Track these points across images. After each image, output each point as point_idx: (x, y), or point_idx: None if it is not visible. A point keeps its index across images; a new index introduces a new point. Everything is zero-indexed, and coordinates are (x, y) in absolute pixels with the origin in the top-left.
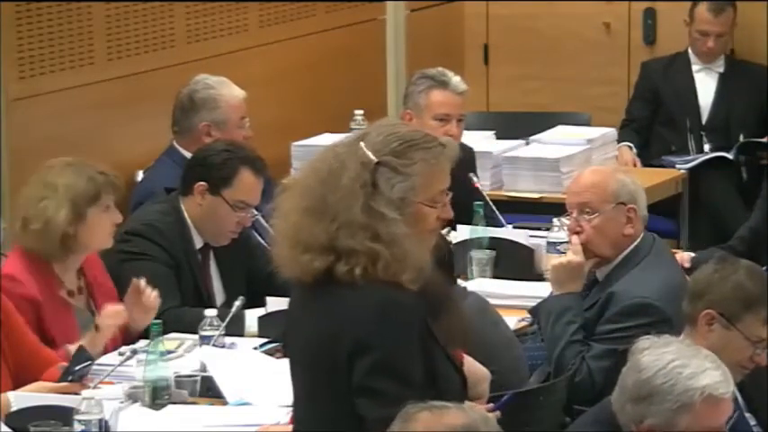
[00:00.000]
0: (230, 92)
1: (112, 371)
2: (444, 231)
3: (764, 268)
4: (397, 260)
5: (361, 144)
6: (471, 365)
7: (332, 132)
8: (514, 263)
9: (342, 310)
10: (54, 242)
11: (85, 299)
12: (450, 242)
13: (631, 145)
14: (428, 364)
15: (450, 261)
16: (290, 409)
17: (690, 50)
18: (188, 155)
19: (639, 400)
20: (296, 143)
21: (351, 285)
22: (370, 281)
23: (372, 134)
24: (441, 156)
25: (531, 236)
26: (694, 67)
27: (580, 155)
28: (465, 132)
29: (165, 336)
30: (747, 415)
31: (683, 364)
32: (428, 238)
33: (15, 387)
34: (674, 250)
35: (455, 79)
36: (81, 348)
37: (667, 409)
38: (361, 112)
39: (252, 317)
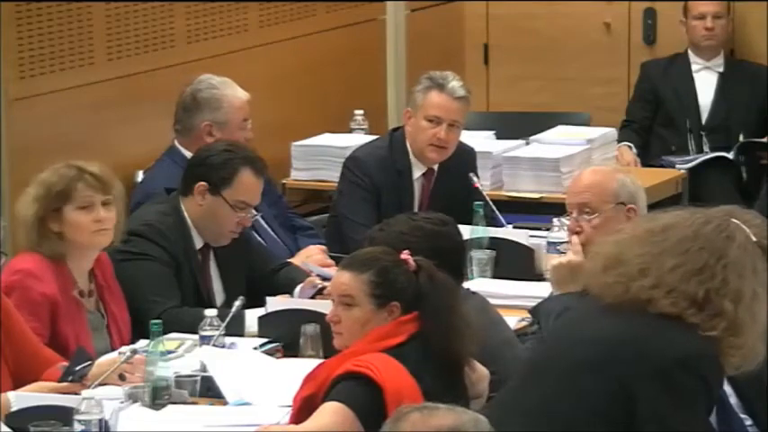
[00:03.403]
0: (234, 93)
1: (112, 371)
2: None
3: None
4: (746, 346)
5: (736, 221)
6: (471, 364)
7: (332, 132)
8: (514, 263)
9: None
10: (33, 238)
11: (95, 301)
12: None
13: (631, 145)
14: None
15: (462, 258)
16: (290, 409)
17: (690, 51)
18: (189, 155)
19: None
20: (296, 143)
21: (694, 334)
22: (714, 342)
23: (742, 215)
24: None
25: (531, 236)
26: (694, 67)
27: (580, 155)
28: (465, 132)
29: (165, 336)
30: (743, 416)
31: None
32: None
33: (15, 387)
34: None
35: (455, 84)
36: (81, 348)
37: None
38: (362, 112)
39: (252, 317)
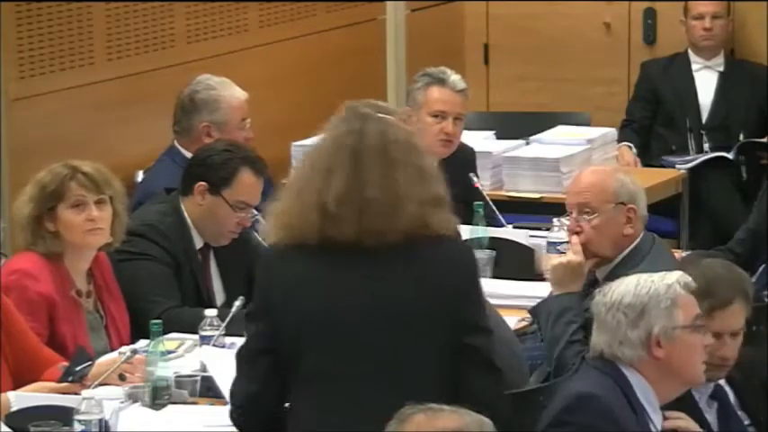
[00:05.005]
0: (231, 93)
1: (112, 371)
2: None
3: (762, 267)
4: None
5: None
6: None
7: None
8: (514, 263)
9: (444, 263)
10: (29, 237)
11: (94, 302)
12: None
13: (631, 145)
14: None
15: None
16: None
17: (690, 50)
18: (188, 155)
19: (637, 318)
20: (296, 143)
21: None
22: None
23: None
24: None
25: (531, 236)
26: (694, 67)
27: (580, 155)
28: (465, 132)
29: (165, 336)
30: (740, 413)
31: (648, 275)
32: None
33: (15, 387)
34: (672, 250)
35: (454, 77)
36: (81, 348)
37: (663, 308)
38: None
39: None
